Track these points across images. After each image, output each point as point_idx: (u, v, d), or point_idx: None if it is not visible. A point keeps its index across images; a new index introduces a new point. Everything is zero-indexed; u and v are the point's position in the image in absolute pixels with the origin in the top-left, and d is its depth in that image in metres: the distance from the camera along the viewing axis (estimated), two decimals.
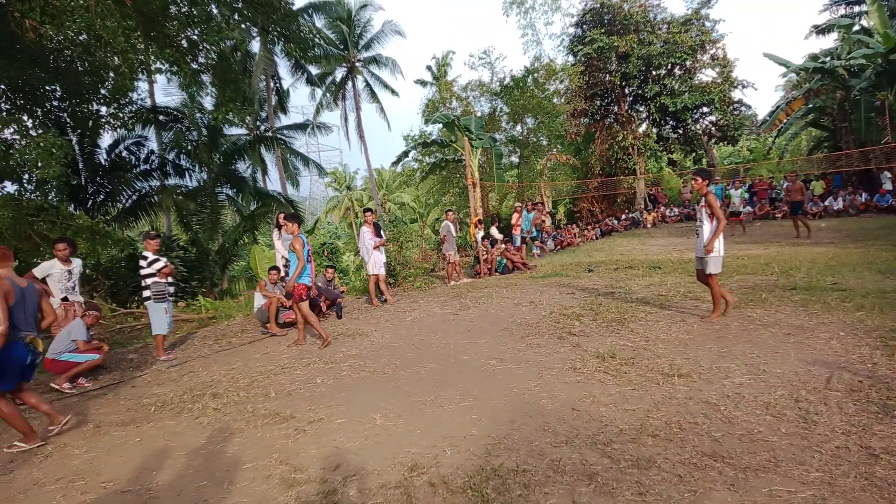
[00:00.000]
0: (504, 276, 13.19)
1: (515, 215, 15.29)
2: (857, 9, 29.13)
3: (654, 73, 25.58)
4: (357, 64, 28.98)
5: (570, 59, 26.57)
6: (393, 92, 29.79)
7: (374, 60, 28.87)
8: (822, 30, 29.65)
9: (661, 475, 3.18)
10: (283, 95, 27.08)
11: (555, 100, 25.66)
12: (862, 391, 4.06)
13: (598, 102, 27.02)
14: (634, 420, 3.96)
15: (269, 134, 24.56)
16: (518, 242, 14.88)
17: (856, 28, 26.07)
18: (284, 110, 27.81)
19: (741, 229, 17.54)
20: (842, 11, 30.39)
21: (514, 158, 27.74)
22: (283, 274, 9.27)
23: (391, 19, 28.69)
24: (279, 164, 24.92)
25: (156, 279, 7.71)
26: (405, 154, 22.95)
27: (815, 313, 6.40)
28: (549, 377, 5.12)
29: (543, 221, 18.31)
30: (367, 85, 29.57)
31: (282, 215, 8.68)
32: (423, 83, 29.22)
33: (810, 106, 25.45)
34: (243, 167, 22.85)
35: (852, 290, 7.37)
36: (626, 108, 26.97)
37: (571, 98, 25.13)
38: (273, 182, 27.06)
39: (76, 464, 4.25)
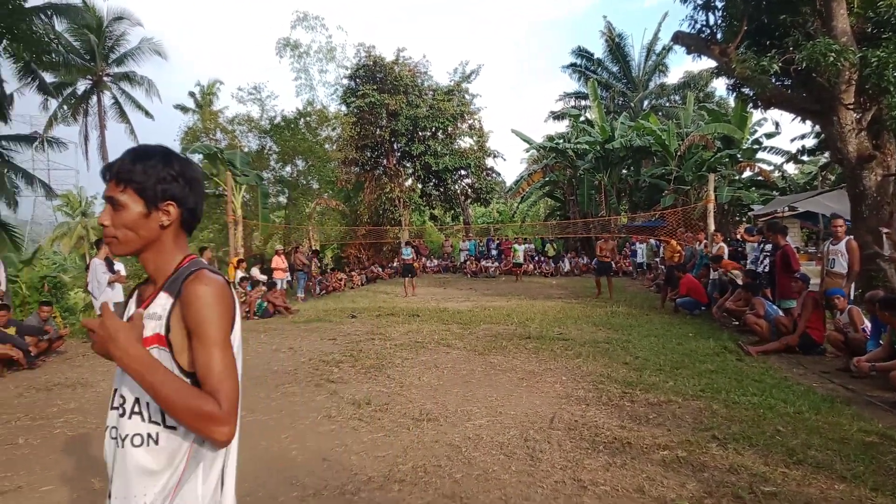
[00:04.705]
0: (264, 319, 12.59)
1: (276, 258, 14.80)
2: (583, 102, 35.27)
3: (420, 133, 27.45)
4: (105, 79, 25.90)
5: (343, 108, 27.21)
6: (147, 114, 27.15)
7: (127, 77, 26.09)
8: (557, 116, 35.32)
9: None
10: (3, 100, 22.77)
11: (326, 146, 25.91)
12: (576, 429, 4.66)
13: (369, 154, 27.98)
14: (383, 467, 3.98)
15: None
16: (280, 285, 14.38)
17: (582, 118, 31.43)
18: (4, 118, 23.34)
19: (515, 278, 21.38)
20: (572, 103, 36.60)
21: (283, 199, 27.17)
22: None
23: (151, 37, 26.18)
24: None
25: None
26: None
27: (544, 360, 7.26)
28: (301, 427, 4.93)
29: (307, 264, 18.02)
30: (117, 102, 26.52)
31: None
32: (183, 109, 27.17)
33: (547, 179, 29.65)
34: None
35: (574, 339, 8.57)
36: (395, 162, 28.36)
37: (343, 146, 25.65)
38: None
39: None
